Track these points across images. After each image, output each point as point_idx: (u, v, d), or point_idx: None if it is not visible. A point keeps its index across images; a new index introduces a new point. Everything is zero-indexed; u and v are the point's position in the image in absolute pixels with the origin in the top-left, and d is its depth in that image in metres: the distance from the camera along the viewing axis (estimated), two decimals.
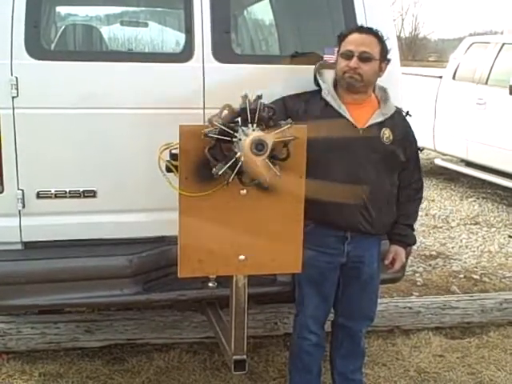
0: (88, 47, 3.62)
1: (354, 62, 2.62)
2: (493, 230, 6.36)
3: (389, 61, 2.73)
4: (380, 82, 2.79)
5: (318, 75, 2.78)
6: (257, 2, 4.41)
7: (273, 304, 3.83)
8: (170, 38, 4.84)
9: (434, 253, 5.56)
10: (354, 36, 2.66)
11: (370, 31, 2.70)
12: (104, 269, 2.85)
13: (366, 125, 2.69)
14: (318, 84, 2.78)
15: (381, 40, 2.68)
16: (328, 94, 2.70)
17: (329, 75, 2.76)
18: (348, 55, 2.64)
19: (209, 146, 2.23)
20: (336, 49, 2.74)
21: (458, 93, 7.80)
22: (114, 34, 4.73)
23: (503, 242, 5.96)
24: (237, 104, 2.26)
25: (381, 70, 2.71)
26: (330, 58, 2.85)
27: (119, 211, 2.92)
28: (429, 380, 3.41)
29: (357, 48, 2.63)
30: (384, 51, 2.69)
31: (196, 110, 2.83)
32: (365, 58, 2.63)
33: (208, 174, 2.24)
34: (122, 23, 4.65)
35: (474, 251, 5.68)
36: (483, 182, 7.76)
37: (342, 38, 2.70)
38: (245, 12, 4.50)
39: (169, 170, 2.43)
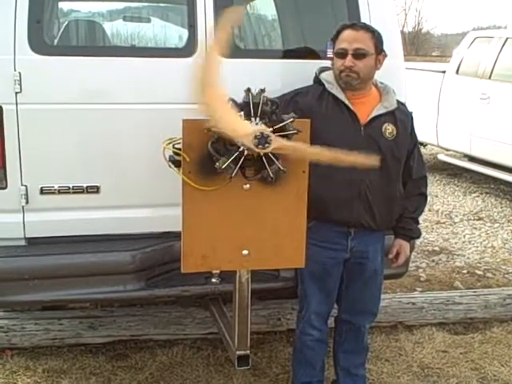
0: (91, 42, 3.61)
1: (348, 61, 2.60)
2: (496, 225, 6.35)
3: (385, 53, 2.70)
4: (384, 77, 2.77)
5: (318, 74, 2.77)
6: None
7: (276, 300, 3.83)
8: (173, 33, 4.84)
9: (437, 248, 5.55)
10: (347, 33, 2.64)
11: (362, 26, 2.68)
12: (107, 265, 2.84)
13: (368, 118, 2.67)
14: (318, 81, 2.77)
15: (374, 33, 2.65)
16: (332, 88, 2.69)
17: (329, 72, 2.75)
18: (342, 53, 2.63)
19: (212, 140, 2.23)
20: None
21: (462, 88, 7.76)
22: (117, 29, 4.73)
23: (506, 238, 5.94)
24: (240, 98, 2.26)
25: (378, 63, 2.69)
26: (332, 52, 2.84)
27: (122, 207, 2.92)
28: (432, 375, 3.41)
29: (350, 45, 2.61)
30: (379, 44, 2.66)
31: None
32: (359, 54, 2.61)
33: (211, 168, 2.23)
34: (124, 19, 4.65)
35: (477, 247, 5.67)
36: (486, 177, 7.73)
37: (335, 36, 2.68)
38: (248, 7, 4.49)
39: (175, 164, 2.42)
